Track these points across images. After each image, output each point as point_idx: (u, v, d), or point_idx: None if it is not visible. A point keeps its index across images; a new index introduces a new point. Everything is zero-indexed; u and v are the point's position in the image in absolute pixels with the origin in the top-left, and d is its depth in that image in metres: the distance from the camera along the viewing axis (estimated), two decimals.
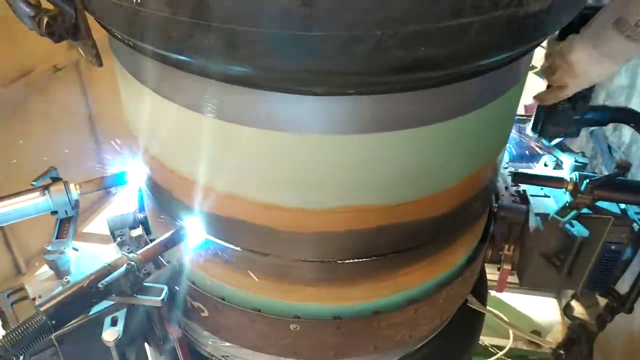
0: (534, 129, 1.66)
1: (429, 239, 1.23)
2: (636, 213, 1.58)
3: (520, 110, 4.60)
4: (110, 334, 1.22)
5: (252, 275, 1.23)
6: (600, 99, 3.34)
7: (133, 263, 1.17)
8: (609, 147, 2.97)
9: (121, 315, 1.26)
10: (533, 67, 3.21)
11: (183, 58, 0.87)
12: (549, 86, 1.47)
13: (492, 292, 1.99)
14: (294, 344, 1.30)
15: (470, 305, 1.65)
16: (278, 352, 1.34)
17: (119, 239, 1.52)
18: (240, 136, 0.99)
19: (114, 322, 1.25)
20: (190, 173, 1.13)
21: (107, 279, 1.12)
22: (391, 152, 1.01)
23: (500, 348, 3.37)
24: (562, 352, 2.45)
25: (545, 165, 1.82)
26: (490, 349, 3.35)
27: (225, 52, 0.81)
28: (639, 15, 1.15)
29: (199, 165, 1.10)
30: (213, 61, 0.85)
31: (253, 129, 0.97)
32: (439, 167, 1.09)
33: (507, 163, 1.92)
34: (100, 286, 1.11)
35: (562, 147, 1.79)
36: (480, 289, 1.75)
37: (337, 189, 1.05)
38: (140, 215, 1.57)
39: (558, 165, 1.83)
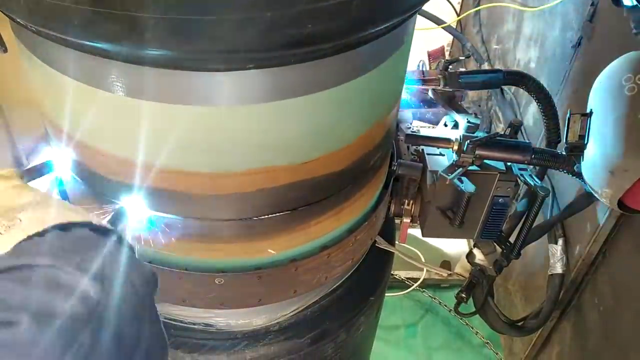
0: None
1: (335, 191, 1.37)
2: (520, 169, 1.75)
3: (424, 57, 4.81)
4: None
5: (177, 238, 1.32)
6: (492, 42, 3.60)
7: None
8: (502, 89, 3.25)
9: None
10: (442, 22, 3.40)
11: (89, 44, 0.91)
12: None
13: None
14: (220, 296, 1.42)
15: (379, 246, 1.84)
16: (206, 304, 1.46)
17: None
18: (155, 112, 1.06)
19: None
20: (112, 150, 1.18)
21: None
22: (291, 117, 1.12)
23: (416, 280, 3.70)
24: (464, 295, 2.64)
25: (445, 125, 1.94)
26: (406, 282, 3.67)
27: (127, 37, 0.87)
28: None
29: (119, 143, 1.16)
30: (118, 46, 0.90)
31: (166, 105, 1.04)
32: (335, 127, 1.22)
33: (410, 124, 2.05)
34: None
35: (459, 109, 1.94)
36: (388, 231, 1.93)
37: (247, 154, 1.15)
38: None
39: (456, 125, 1.98)
